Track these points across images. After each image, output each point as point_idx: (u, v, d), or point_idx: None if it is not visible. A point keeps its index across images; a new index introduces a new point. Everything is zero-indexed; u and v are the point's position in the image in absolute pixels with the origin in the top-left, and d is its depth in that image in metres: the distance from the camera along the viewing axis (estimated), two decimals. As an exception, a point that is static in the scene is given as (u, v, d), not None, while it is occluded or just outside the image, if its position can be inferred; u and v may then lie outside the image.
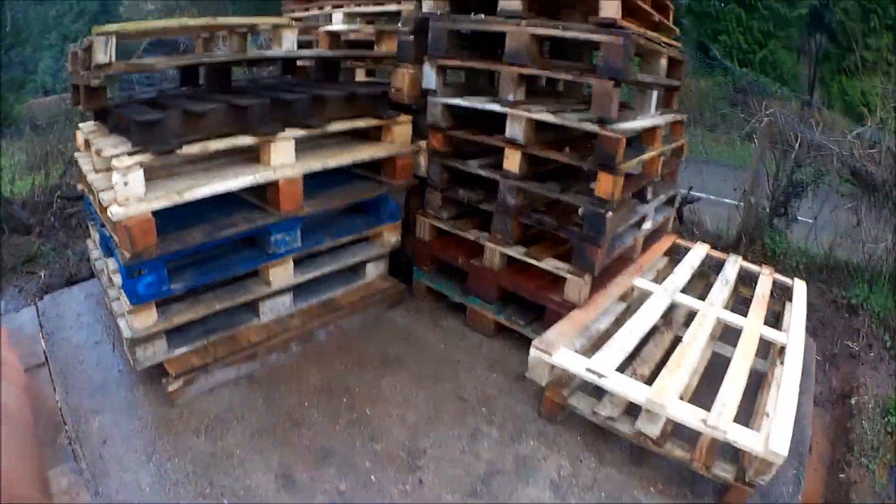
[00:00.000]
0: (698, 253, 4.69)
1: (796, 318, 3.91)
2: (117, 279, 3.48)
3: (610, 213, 3.53)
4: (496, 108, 3.78)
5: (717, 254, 4.90)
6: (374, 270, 4.42)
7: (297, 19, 5.28)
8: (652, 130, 4.09)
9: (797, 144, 6.37)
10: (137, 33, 3.88)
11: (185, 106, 3.25)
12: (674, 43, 5.01)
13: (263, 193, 3.60)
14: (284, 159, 3.53)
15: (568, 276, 3.72)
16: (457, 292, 4.31)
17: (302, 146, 3.71)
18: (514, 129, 3.72)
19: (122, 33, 3.21)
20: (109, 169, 3.04)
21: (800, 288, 4.36)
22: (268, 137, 3.44)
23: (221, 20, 4.05)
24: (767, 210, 6.47)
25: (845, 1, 19.59)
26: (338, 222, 4.13)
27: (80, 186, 4.37)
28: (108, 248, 3.76)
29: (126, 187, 2.98)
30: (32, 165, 7.43)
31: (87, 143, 3.80)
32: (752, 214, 6.38)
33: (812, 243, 6.47)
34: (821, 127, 6.98)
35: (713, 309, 3.80)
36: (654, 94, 4.34)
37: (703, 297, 4.05)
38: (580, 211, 3.70)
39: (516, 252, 3.93)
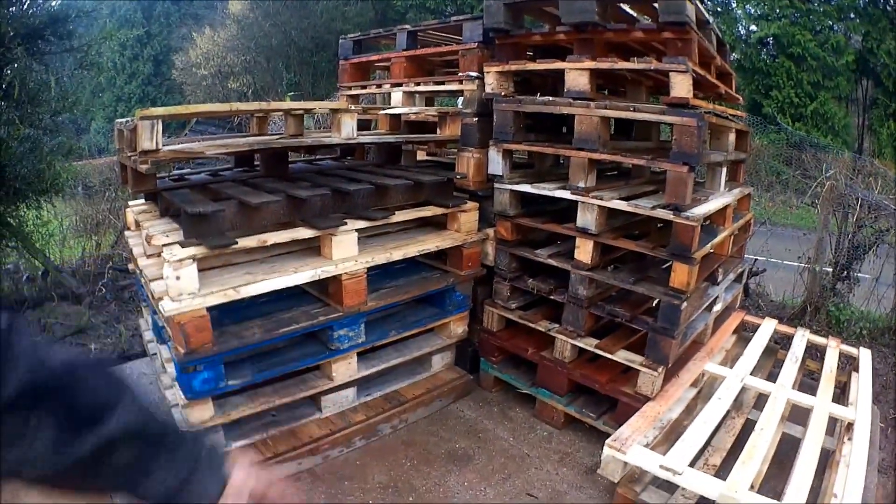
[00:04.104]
0: (767, 330, 4.49)
1: (863, 391, 3.71)
2: (171, 369, 3.37)
3: (685, 304, 3.37)
4: (566, 195, 3.64)
5: (784, 328, 4.69)
6: (440, 362, 4.27)
7: (353, 97, 5.25)
8: (722, 210, 3.92)
9: (858, 207, 6.21)
10: (186, 116, 3.79)
11: (240, 197, 3.15)
12: (738, 112, 4.89)
13: (325, 285, 3.48)
14: (347, 252, 3.42)
15: (641, 368, 3.53)
16: (525, 383, 4.11)
17: (365, 235, 3.60)
18: (586, 218, 3.57)
19: (168, 117, 3.10)
20: (161, 254, 2.95)
21: (865, 358, 4.16)
22: (329, 231, 3.33)
23: (275, 105, 3.96)
24: (830, 275, 6.28)
25: (888, 44, 19.56)
26: (403, 314, 3.99)
27: (131, 266, 4.29)
28: (160, 335, 3.66)
29: (178, 282, 2.87)
30: (83, 230, 7.46)
31: (138, 224, 3.71)
32: (816, 283, 6.17)
33: (874, 304, 6.28)
34: (879, 185, 6.82)
35: (783, 391, 3.60)
36: (724, 169, 4.19)
37: (772, 376, 3.87)
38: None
39: (588, 344, 3.75)
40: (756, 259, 6.53)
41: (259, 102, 3.97)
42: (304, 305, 3.49)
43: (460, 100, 4.32)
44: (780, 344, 4.79)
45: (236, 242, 3.00)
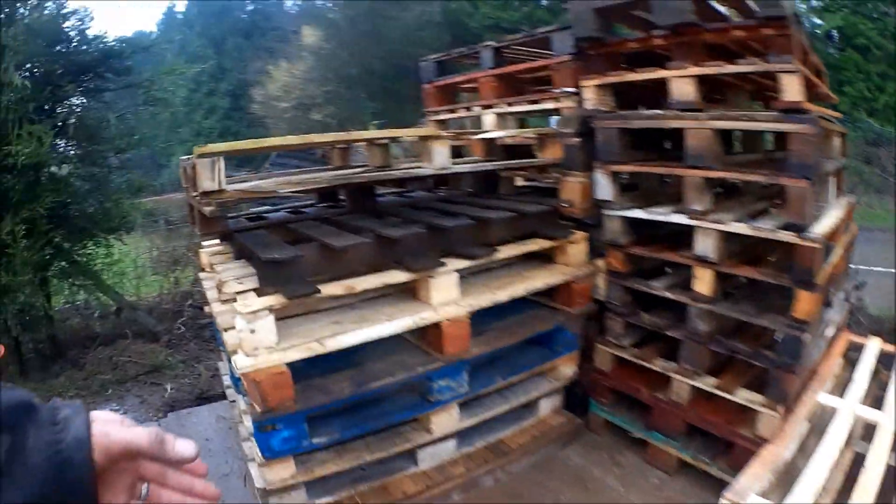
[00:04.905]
0: (872, 351, 4.11)
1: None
2: (248, 422, 3.12)
3: (808, 336, 3.02)
4: (683, 220, 3.30)
5: (887, 347, 4.33)
6: (547, 405, 3.96)
7: (440, 122, 5.03)
8: (836, 224, 3.58)
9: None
10: (250, 151, 3.52)
11: (322, 239, 2.90)
12: (836, 114, 4.56)
13: (423, 330, 3.19)
14: (447, 296, 3.15)
15: (761, 409, 3.21)
16: (637, 426, 3.80)
17: (465, 272, 3.34)
18: (705, 245, 3.22)
19: (229, 153, 2.84)
20: (235, 301, 2.70)
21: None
22: (426, 273, 3.07)
23: (355, 134, 3.71)
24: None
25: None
26: (508, 356, 3.68)
27: (207, 309, 4.10)
28: (237, 385, 3.42)
29: (254, 335, 2.62)
30: (161, 267, 7.47)
31: (212, 266, 3.50)
32: (911, 290, 5.81)
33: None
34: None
35: (891, 420, 3.26)
36: (833, 179, 3.85)
37: (877, 401, 3.47)
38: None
39: (707, 384, 3.40)
40: (857, 270, 6.16)
41: (335, 133, 3.67)
42: (398, 352, 3.23)
43: (553, 119, 4.06)
44: (882, 363, 4.43)
45: (319, 291, 2.76)
